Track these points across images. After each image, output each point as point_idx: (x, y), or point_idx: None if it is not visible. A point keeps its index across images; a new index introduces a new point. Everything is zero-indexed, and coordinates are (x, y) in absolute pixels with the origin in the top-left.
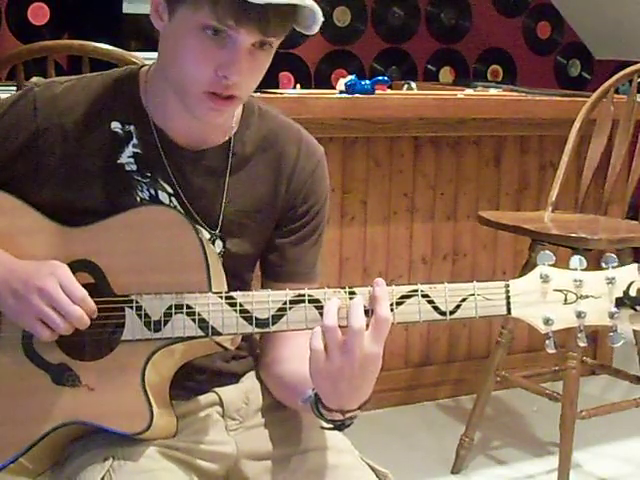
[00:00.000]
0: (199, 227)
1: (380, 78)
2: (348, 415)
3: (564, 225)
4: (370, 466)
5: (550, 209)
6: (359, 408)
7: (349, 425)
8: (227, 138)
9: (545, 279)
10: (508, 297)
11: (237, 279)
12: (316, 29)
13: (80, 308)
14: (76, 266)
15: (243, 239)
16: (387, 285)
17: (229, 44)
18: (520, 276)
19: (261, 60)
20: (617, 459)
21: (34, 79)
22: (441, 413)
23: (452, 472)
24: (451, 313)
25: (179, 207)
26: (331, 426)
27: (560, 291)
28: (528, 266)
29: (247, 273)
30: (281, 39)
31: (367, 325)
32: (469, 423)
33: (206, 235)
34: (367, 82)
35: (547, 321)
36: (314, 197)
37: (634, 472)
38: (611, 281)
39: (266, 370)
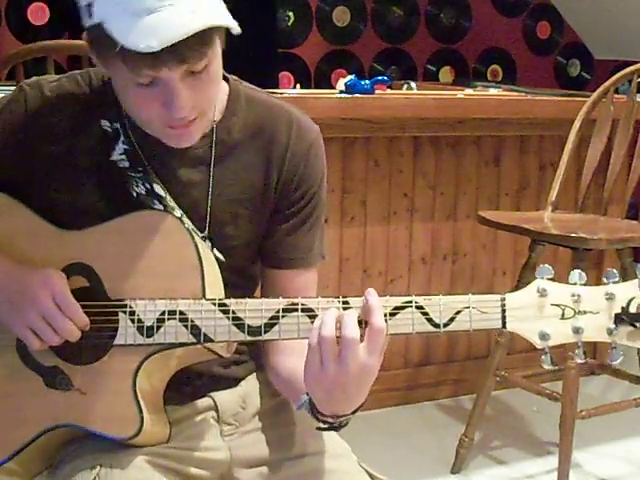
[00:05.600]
0: (194, 230)
1: (380, 78)
2: (342, 419)
3: (564, 225)
4: (368, 472)
5: (550, 209)
6: (353, 413)
7: (344, 425)
8: (211, 126)
9: (542, 293)
10: (504, 311)
11: (239, 274)
12: (237, 31)
13: (72, 323)
14: (71, 269)
15: (237, 228)
16: (386, 285)
17: (160, 85)
18: (519, 276)
19: (204, 78)
20: (617, 459)
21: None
22: (441, 413)
23: (452, 472)
24: (445, 325)
25: (171, 201)
26: (326, 427)
27: (557, 306)
28: (528, 266)
29: (249, 266)
30: (212, 52)
31: (362, 336)
32: (469, 423)
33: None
34: (367, 82)
35: (543, 336)
36: (309, 181)
37: (634, 472)
38: (611, 297)
39: (265, 357)
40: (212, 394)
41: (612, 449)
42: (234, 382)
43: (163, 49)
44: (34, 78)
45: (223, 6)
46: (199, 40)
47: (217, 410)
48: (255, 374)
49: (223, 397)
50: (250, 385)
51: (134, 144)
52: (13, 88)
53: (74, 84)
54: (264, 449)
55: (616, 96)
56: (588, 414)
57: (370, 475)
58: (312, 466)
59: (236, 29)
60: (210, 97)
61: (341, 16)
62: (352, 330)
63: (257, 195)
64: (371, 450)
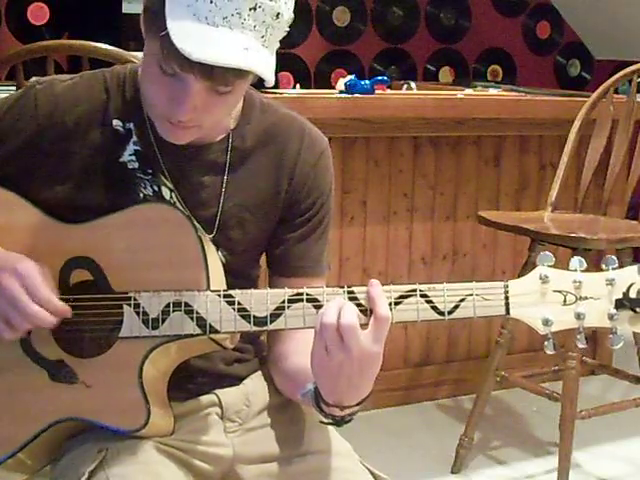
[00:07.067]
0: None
1: (380, 78)
2: (347, 411)
3: (564, 225)
4: (370, 471)
5: (550, 209)
6: (358, 405)
7: (348, 421)
8: (226, 133)
9: (544, 280)
10: (507, 297)
11: (241, 277)
12: (270, 84)
13: (41, 309)
14: (74, 263)
15: (244, 233)
16: (386, 285)
17: (180, 82)
18: (520, 276)
19: (219, 101)
20: (617, 459)
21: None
22: (441, 413)
23: (452, 472)
24: (449, 313)
25: (179, 203)
26: (330, 421)
27: (559, 292)
28: (528, 266)
29: (251, 270)
30: (240, 84)
31: (367, 325)
32: (469, 423)
33: None
34: (367, 82)
35: (546, 322)
36: (318, 190)
37: (634, 472)
38: (611, 282)
39: (274, 366)
40: (216, 391)
41: (612, 449)
42: (237, 380)
43: (197, 63)
44: (48, 77)
45: (270, 52)
46: (235, 73)
47: (221, 407)
48: (259, 373)
49: (227, 394)
50: (254, 383)
51: (151, 142)
52: (13, 88)
53: (87, 84)
54: (269, 446)
55: (616, 96)
56: (588, 414)
57: (372, 474)
58: (317, 464)
59: (270, 82)
60: (215, 119)
61: (341, 16)
62: (349, 317)
63: (266, 202)
64: (371, 450)
